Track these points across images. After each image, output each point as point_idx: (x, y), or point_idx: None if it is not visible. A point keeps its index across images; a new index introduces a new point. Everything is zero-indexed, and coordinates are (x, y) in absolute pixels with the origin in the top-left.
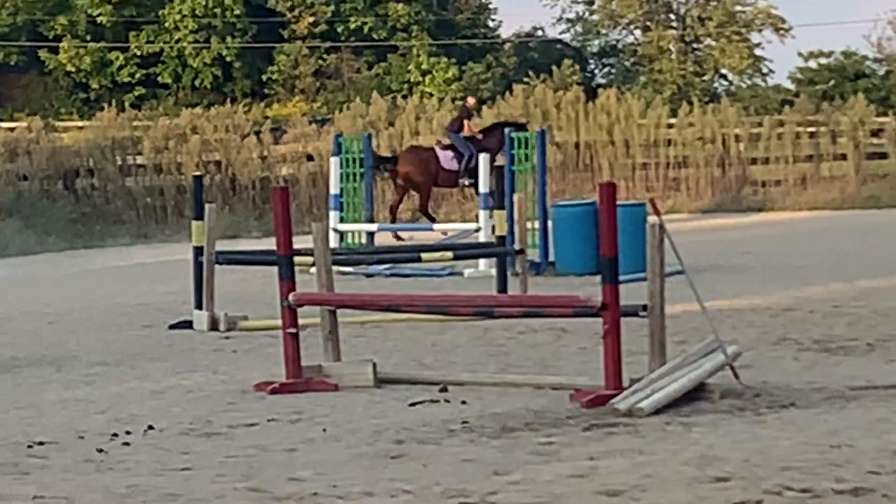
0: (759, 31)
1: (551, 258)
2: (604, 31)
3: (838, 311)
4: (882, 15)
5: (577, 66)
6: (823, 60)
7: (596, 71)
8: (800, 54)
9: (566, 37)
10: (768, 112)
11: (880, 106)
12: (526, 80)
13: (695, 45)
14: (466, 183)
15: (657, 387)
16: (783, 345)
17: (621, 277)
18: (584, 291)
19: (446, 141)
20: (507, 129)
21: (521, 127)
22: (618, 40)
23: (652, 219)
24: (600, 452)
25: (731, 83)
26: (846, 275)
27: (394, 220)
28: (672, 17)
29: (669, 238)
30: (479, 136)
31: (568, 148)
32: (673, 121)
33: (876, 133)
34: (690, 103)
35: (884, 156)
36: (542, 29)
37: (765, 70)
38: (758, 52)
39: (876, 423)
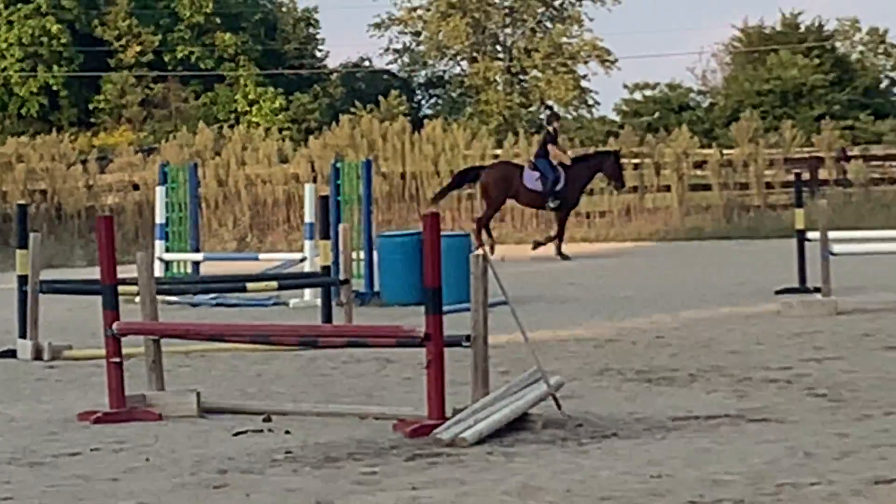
0: (585, 62)
1: (377, 288)
2: (431, 62)
3: (661, 341)
4: (706, 48)
5: (404, 97)
6: (648, 92)
7: (423, 101)
8: (625, 86)
9: (393, 67)
10: (594, 143)
11: (704, 138)
12: (353, 110)
13: (521, 77)
14: (552, 206)
15: (480, 417)
16: (606, 375)
17: (445, 308)
18: (408, 322)
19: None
20: (601, 158)
21: (615, 155)
22: (444, 71)
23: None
24: (423, 482)
25: None
26: (669, 305)
27: (479, 234)
28: (499, 48)
29: (493, 268)
30: (569, 162)
31: (394, 178)
32: (499, 151)
33: (699, 165)
34: (516, 134)
35: (707, 187)
36: (369, 59)
37: (590, 102)
38: (583, 83)
39: (696, 453)
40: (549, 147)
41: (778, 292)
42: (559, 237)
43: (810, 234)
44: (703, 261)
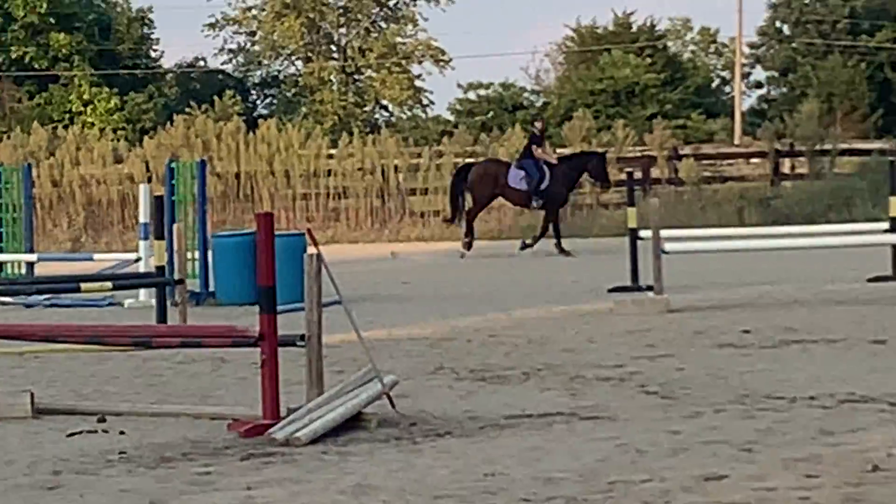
0: (420, 62)
1: (212, 288)
2: (265, 62)
3: (495, 340)
4: (540, 48)
5: (239, 97)
6: (482, 92)
7: (257, 101)
8: (459, 86)
9: (228, 67)
10: (428, 143)
11: None
12: (187, 110)
13: (356, 77)
14: (535, 205)
15: (315, 416)
16: (440, 374)
17: (280, 307)
18: (243, 321)
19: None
20: (585, 158)
21: (600, 156)
22: (279, 71)
23: (311, 249)
24: (257, 482)
25: (391, 114)
26: (503, 304)
27: (469, 229)
28: (333, 48)
29: (327, 268)
30: (555, 161)
31: (228, 178)
32: (333, 151)
33: None
34: (351, 134)
35: None
36: (204, 59)
37: (425, 101)
38: (418, 83)
39: (529, 451)
40: (533, 147)
41: (611, 290)
42: (556, 235)
43: (642, 233)
44: (536, 259)
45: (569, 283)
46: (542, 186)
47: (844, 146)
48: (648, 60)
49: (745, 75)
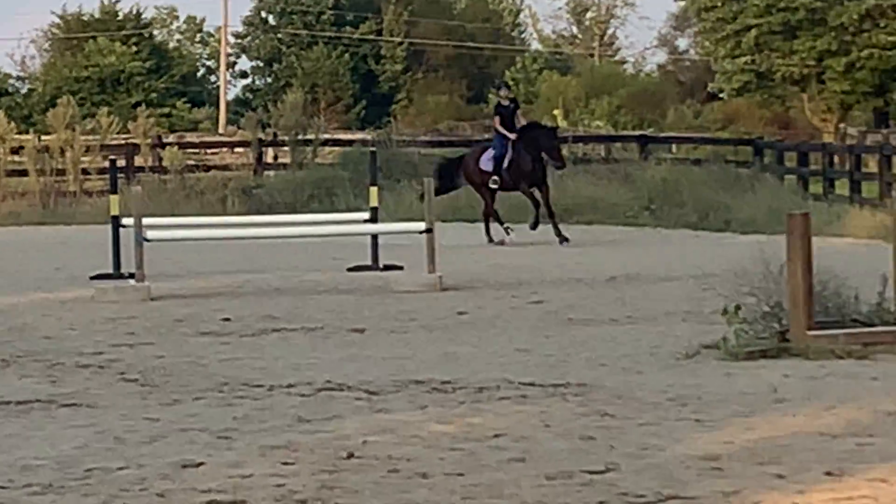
0: None
1: None
2: None
3: None
4: (26, 34)
5: None
6: None
7: None
8: None
9: None
10: None
11: (23, 123)
12: None
13: None
14: (493, 185)
15: None
16: None
17: None
18: None
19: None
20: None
21: (551, 131)
22: None
23: None
24: None
25: None
26: None
27: (487, 225)
28: None
29: None
30: (513, 137)
31: None
32: None
33: (17, 150)
34: None
35: (24, 173)
36: None
37: None
38: None
39: (6, 438)
40: (495, 119)
41: (93, 278)
42: (550, 217)
43: (125, 221)
44: (20, 247)
45: (51, 270)
46: (506, 164)
47: (327, 136)
48: (135, 49)
49: (231, 65)
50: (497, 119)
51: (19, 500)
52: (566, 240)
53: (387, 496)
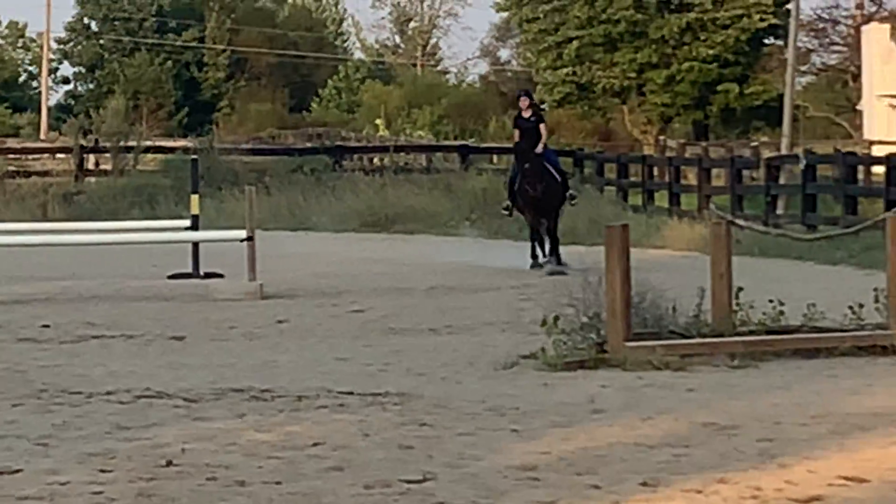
0: None
1: None
2: None
3: None
4: None
5: None
6: None
7: None
8: None
9: None
10: None
11: None
12: None
13: None
14: (502, 209)
15: None
16: None
17: None
18: None
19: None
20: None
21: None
22: None
23: None
24: None
25: None
26: None
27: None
28: None
29: None
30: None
31: None
32: None
33: None
34: None
35: None
36: None
37: None
38: None
39: None
40: (516, 133)
41: None
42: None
43: None
44: None
45: None
46: (516, 186)
47: (149, 143)
48: None
49: (53, 71)
50: (515, 134)
51: None
52: (563, 268)
53: None
